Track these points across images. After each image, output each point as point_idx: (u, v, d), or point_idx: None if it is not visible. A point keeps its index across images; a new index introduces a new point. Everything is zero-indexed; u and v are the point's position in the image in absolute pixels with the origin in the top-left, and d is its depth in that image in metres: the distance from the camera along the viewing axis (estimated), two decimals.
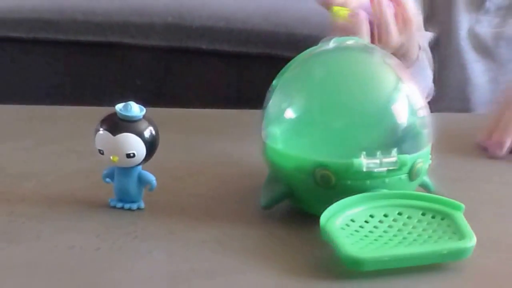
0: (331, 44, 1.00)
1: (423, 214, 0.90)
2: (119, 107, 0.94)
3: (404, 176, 0.93)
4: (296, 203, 0.95)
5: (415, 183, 0.95)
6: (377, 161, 0.91)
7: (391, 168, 0.92)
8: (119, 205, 0.97)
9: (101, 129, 0.94)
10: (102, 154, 0.94)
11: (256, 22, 1.73)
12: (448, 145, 1.09)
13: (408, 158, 0.92)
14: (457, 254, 0.84)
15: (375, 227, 0.88)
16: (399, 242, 0.86)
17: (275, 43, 1.46)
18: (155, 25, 1.80)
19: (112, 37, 1.74)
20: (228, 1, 1.99)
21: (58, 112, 1.09)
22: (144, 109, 0.95)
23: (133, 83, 1.56)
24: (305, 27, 1.57)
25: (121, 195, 0.96)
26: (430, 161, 0.98)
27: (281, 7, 1.91)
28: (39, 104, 1.16)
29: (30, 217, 0.97)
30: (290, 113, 0.96)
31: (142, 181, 0.96)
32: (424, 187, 0.98)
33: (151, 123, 0.95)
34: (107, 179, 0.97)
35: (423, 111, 0.98)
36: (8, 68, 1.75)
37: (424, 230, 0.88)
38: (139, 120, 0.94)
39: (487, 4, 1.97)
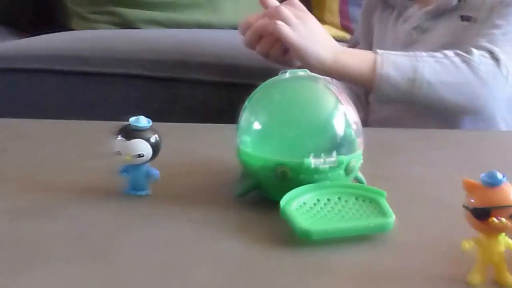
0: (287, 74, 1.02)
1: (356, 199, 0.92)
2: (132, 119, 0.95)
3: (342, 172, 0.95)
4: (262, 192, 0.96)
5: (350, 177, 0.97)
6: (322, 160, 0.93)
7: (332, 165, 0.94)
8: (132, 192, 0.98)
9: (118, 136, 0.95)
10: (120, 154, 0.96)
11: (242, 59, 1.74)
12: (376, 149, 1.06)
13: (344, 158, 0.95)
14: (381, 228, 0.86)
15: (320, 208, 0.89)
16: (338, 219, 0.87)
17: (255, 74, 1.45)
18: (166, 60, 1.81)
19: (133, 70, 1.74)
20: (220, 42, 1.99)
21: (85, 125, 1.10)
22: (151, 121, 0.96)
23: (150, 106, 1.56)
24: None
25: (133, 185, 0.97)
26: (361, 161, 0.99)
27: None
28: (83, 117, 1.16)
29: (64, 202, 0.98)
30: (257, 125, 0.99)
31: (149, 175, 0.97)
32: (357, 180, 0.99)
33: (156, 132, 0.96)
34: (124, 173, 0.98)
35: (356, 124, 0.99)
36: (51, 93, 1.74)
37: (356, 210, 0.90)
38: (147, 129, 0.95)
39: None
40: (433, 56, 1.50)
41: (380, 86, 1.42)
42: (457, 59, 1.50)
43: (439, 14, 1.68)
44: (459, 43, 1.56)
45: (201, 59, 1.74)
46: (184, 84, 1.54)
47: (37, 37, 1.96)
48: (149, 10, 2.19)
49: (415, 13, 1.70)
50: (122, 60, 1.79)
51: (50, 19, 2.27)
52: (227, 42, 1.95)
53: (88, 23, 2.21)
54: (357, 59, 1.47)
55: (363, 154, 0.99)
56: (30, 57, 1.79)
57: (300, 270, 0.79)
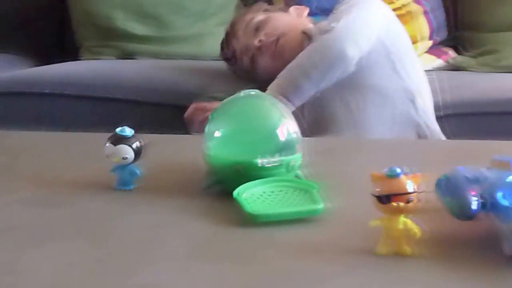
0: (242, 93, 1.03)
1: (294, 190, 0.93)
2: (118, 129, 0.96)
3: (284, 170, 0.96)
4: (223, 186, 0.96)
5: (291, 174, 0.98)
6: (267, 160, 0.96)
7: (275, 165, 0.96)
8: (120, 187, 0.99)
9: (108, 142, 0.96)
10: (109, 157, 0.97)
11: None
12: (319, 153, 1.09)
13: (285, 159, 0.96)
14: (312, 212, 0.88)
15: (266, 197, 0.91)
16: (279, 206, 0.89)
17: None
18: (157, 87, 1.81)
19: (129, 95, 1.77)
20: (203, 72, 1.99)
21: (86, 136, 1.11)
22: (133, 131, 0.97)
23: (142, 124, 1.57)
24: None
25: (121, 181, 0.99)
26: (300, 161, 1.00)
27: None
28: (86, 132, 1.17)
29: (66, 194, 1.00)
30: (218, 134, 1.00)
31: (133, 173, 0.98)
32: (297, 176, 1.00)
33: (138, 139, 0.97)
34: (112, 172, 0.98)
35: (296, 133, 1.00)
36: (61, 113, 1.74)
37: (294, 199, 0.91)
38: (130, 137, 0.96)
39: None
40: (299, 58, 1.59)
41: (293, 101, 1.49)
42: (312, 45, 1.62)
43: None
44: None
45: (185, 88, 1.72)
46: (171, 108, 1.52)
47: (50, 65, 1.95)
48: (144, 44, 2.18)
49: None
50: (120, 86, 1.79)
51: (62, 50, 2.26)
52: (209, 73, 1.94)
53: (94, 55, 2.21)
54: None
55: (312, 157, 1.01)
56: (44, 82, 1.79)
57: (249, 244, 0.82)
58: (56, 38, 2.32)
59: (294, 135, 0.99)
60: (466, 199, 0.77)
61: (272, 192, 0.93)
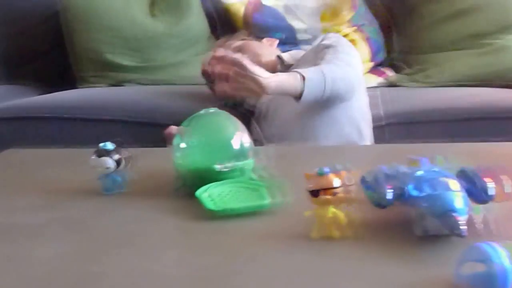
0: (203, 112, 1.04)
1: (246, 189, 0.95)
2: (101, 144, 0.97)
3: (238, 173, 0.98)
4: (189, 188, 0.95)
5: (245, 176, 0.98)
6: (224, 166, 0.98)
7: (231, 169, 0.98)
8: (105, 192, 1.00)
9: (94, 155, 0.97)
10: (94, 168, 0.98)
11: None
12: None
13: (238, 164, 0.98)
14: (260, 207, 0.89)
15: (223, 196, 0.93)
16: (234, 202, 0.91)
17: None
18: (141, 108, 1.81)
19: (116, 116, 1.76)
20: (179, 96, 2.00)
21: (80, 151, 1.12)
22: (115, 145, 0.97)
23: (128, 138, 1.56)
24: None
25: (105, 187, 1.00)
26: (252, 166, 1.00)
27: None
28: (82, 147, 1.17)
29: (62, 198, 1.02)
30: (183, 145, 1.00)
31: (114, 180, 1.00)
32: (250, 178, 0.99)
33: (118, 152, 0.98)
34: (99, 180, 0.99)
35: (248, 143, 1.02)
36: (60, 133, 1.74)
37: (246, 197, 0.93)
38: (111, 150, 0.97)
39: None
40: (329, 62, 1.54)
41: (308, 87, 1.40)
42: (341, 62, 1.55)
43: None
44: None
45: (165, 108, 1.73)
46: (152, 126, 1.52)
47: (52, 94, 1.96)
48: (130, 73, 2.19)
49: None
50: (110, 108, 1.79)
51: (62, 80, 2.26)
52: (184, 96, 1.95)
53: (89, 83, 2.21)
54: (287, 77, 1.44)
55: (267, 161, 1.02)
56: (46, 108, 1.81)
57: (208, 232, 0.84)
58: (57, 71, 2.32)
59: (246, 145, 1.00)
60: (383, 191, 0.81)
61: (230, 191, 0.94)
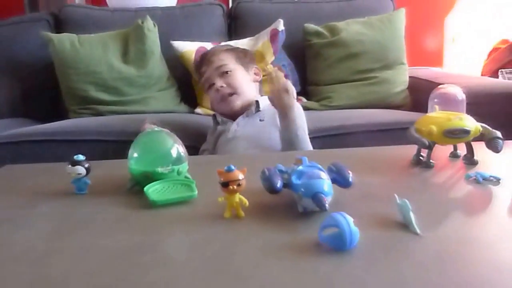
0: (150, 130, 1.09)
1: (180, 185, 0.97)
2: (75, 156, 0.97)
3: (175, 174, 0.98)
4: (140, 186, 0.96)
5: (181, 176, 0.99)
6: (164, 168, 0.99)
7: (169, 171, 0.99)
8: (78, 192, 1.00)
9: (69, 165, 0.97)
10: (69, 174, 0.98)
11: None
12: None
13: (176, 167, 0.99)
14: (189, 197, 0.92)
15: (163, 191, 0.94)
16: (170, 194, 0.93)
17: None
18: (114, 130, 1.82)
19: (99, 137, 1.79)
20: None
21: (57, 165, 1.12)
22: (85, 157, 0.97)
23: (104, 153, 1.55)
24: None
25: (78, 188, 1.00)
26: (186, 168, 1.01)
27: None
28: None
29: (44, 198, 1.01)
30: (135, 154, 1.00)
31: (85, 184, 1.00)
32: (186, 177, 1.00)
33: (88, 162, 0.98)
34: (73, 183, 0.99)
35: (183, 152, 1.02)
36: (53, 153, 1.73)
37: (179, 190, 0.95)
38: (82, 161, 0.97)
39: None
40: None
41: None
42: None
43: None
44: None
45: (132, 129, 1.71)
46: (121, 143, 1.52)
47: (47, 124, 1.95)
48: (109, 106, 2.19)
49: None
50: (87, 132, 1.80)
51: (56, 112, 2.26)
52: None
53: (77, 114, 2.20)
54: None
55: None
56: (42, 133, 1.80)
57: (151, 217, 0.86)
58: (52, 106, 2.33)
59: (182, 153, 1.01)
60: (273, 181, 0.85)
61: (168, 186, 0.97)
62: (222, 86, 1.57)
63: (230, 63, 1.63)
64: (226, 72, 1.59)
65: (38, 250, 0.76)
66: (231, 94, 1.57)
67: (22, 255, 0.71)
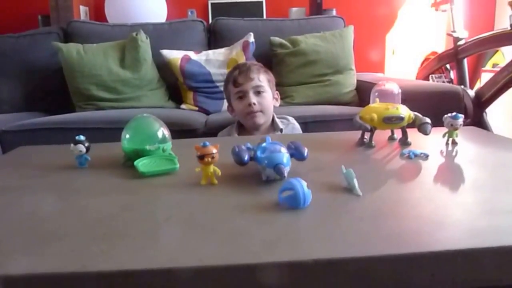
0: (139, 115, 1.03)
1: (165, 160, 0.96)
2: (77, 136, 0.96)
3: (161, 151, 0.97)
4: (131, 162, 0.93)
5: (166, 153, 0.96)
6: (152, 146, 0.98)
7: (156, 148, 0.98)
8: (80, 166, 0.98)
9: (72, 144, 0.96)
10: (72, 151, 0.98)
11: None
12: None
13: (161, 145, 0.97)
14: (172, 169, 0.91)
15: (151, 164, 0.93)
16: (157, 166, 0.91)
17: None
18: (110, 120, 1.77)
19: (97, 125, 1.75)
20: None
21: (63, 147, 1.09)
22: (85, 137, 0.96)
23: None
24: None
25: (80, 162, 0.98)
26: (171, 145, 0.98)
27: None
28: None
29: (50, 171, 0.98)
30: (127, 136, 0.98)
31: (85, 159, 0.98)
32: (170, 154, 0.97)
33: (87, 142, 0.97)
34: (77, 159, 0.98)
35: (167, 134, 1.00)
36: (62, 138, 1.70)
37: (164, 163, 0.94)
38: (83, 140, 0.96)
39: None
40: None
41: None
42: None
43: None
44: None
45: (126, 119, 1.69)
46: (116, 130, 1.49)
47: (57, 115, 1.93)
48: (108, 102, 2.17)
49: None
50: (91, 121, 1.78)
51: (66, 107, 2.22)
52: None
53: (82, 109, 2.18)
54: None
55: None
56: (54, 122, 1.79)
57: (140, 185, 0.84)
58: (60, 102, 2.29)
59: (166, 135, 1.01)
60: (242, 155, 0.84)
61: (155, 161, 0.96)
62: (255, 104, 1.49)
63: (266, 85, 1.54)
64: (260, 92, 1.51)
65: (43, 210, 0.74)
66: (258, 112, 1.50)
67: (29, 213, 0.70)
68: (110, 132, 1.72)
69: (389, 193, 0.73)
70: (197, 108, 2.29)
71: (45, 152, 1.19)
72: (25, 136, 1.79)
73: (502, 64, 2.67)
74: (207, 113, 2.12)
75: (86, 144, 0.95)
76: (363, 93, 2.29)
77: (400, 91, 1.22)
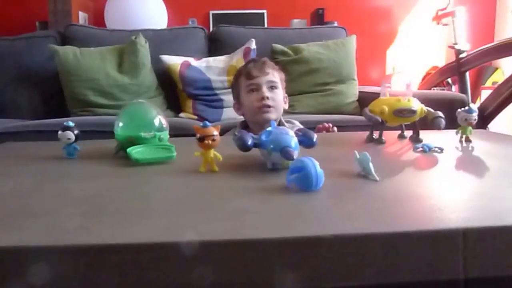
0: (135, 101, 1.02)
1: (161, 148, 0.91)
2: (65, 122, 0.92)
3: (157, 139, 0.92)
4: (125, 152, 0.88)
5: (162, 142, 0.93)
6: (147, 134, 0.92)
7: (151, 136, 0.92)
8: (68, 156, 0.93)
9: (60, 131, 0.91)
10: (60, 139, 0.92)
11: None
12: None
13: (157, 134, 0.92)
14: (169, 157, 0.85)
15: (146, 152, 0.87)
16: (151, 154, 0.87)
17: None
18: (106, 123, 1.74)
19: (92, 128, 1.64)
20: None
21: (51, 142, 1.05)
22: (74, 124, 0.91)
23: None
24: None
25: (68, 152, 0.92)
26: (168, 136, 0.95)
27: None
28: None
29: (37, 162, 0.94)
30: (120, 123, 0.94)
31: (74, 149, 0.92)
32: (168, 147, 0.91)
33: (77, 128, 0.92)
34: (63, 149, 0.92)
35: (164, 122, 0.96)
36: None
37: (160, 152, 0.89)
38: (72, 127, 0.91)
39: None
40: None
41: None
42: None
43: None
44: None
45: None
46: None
47: (50, 119, 1.89)
48: (105, 109, 2.14)
49: None
50: (90, 124, 1.73)
51: (62, 113, 2.17)
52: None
53: (78, 115, 2.13)
54: None
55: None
56: (49, 126, 1.73)
57: (135, 172, 0.80)
58: (57, 109, 2.22)
59: (163, 124, 0.96)
60: (245, 139, 0.77)
61: (151, 149, 0.90)
62: (268, 98, 1.43)
63: (279, 82, 1.50)
64: (274, 88, 1.46)
65: (24, 190, 0.68)
66: (270, 106, 1.44)
67: (8, 193, 0.66)
68: (104, 134, 1.70)
69: (407, 179, 0.70)
70: (196, 117, 2.24)
71: (32, 147, 1.13)
72: (16, 138, 1.67)
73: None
74: None
75: (75, 132, 0.89)
76: (365, 104, 2.20)
77: (411, 82, 1.16)
